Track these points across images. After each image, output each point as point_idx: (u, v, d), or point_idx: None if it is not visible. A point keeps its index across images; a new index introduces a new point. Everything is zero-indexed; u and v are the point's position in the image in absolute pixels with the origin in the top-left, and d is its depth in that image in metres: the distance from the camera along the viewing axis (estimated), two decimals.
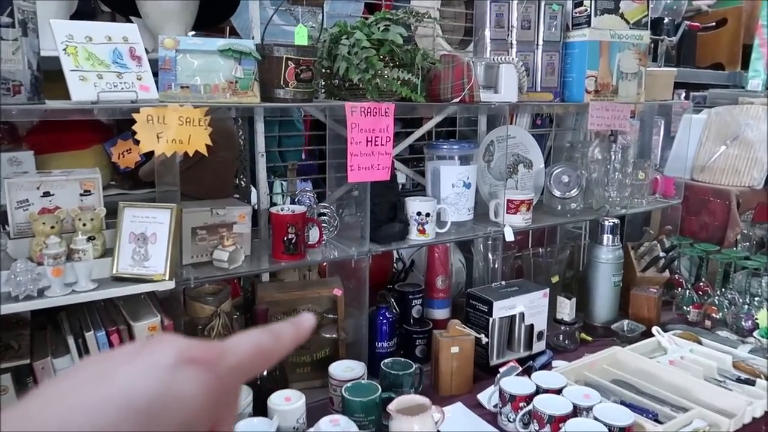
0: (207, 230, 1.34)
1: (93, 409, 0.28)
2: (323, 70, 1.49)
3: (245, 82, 1.28)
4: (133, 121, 1.12)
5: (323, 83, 1.56)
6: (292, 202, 1.48)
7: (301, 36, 1.35)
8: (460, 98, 1.53)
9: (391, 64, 1.45)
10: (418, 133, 1.85)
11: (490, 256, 1.89)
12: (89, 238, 1.15)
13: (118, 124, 1.59)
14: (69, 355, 1.12)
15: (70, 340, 1.12)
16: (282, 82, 1.32)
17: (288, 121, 1.81)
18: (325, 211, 1.55)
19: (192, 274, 1.27)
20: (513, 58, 1.66)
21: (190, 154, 1.18)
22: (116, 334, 1.15)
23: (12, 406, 0.28)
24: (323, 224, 1.53)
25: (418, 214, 1.58)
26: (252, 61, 1.30)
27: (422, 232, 1.60)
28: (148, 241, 1.18)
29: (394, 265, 2.00)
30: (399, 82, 1.43)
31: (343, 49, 1.41)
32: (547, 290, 1.69)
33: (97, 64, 1.13)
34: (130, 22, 1.59)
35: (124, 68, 1.17)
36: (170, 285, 1.18)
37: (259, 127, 1.57)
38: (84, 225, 1.16)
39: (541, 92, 1.82)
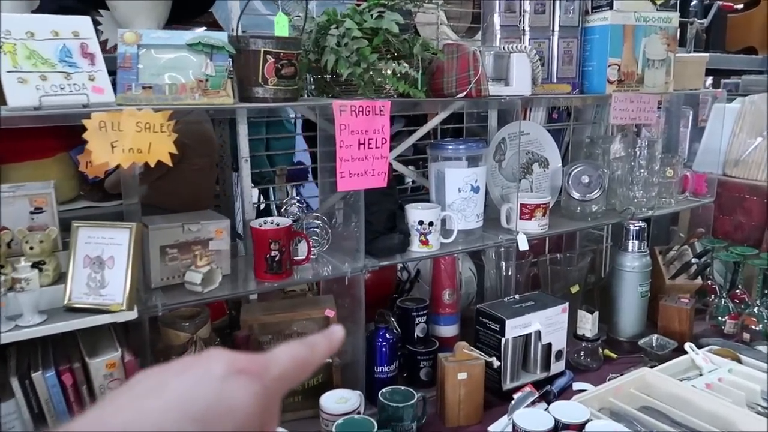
0: (178, 248, 1.19)
1: (157, 416, 0.31)
2: (311, 65, 1.32)
3: (217, 80, 1.12)
4: None
5: (313, 79, 1.40)
6: (279, 213, 1.33)
7: (281, 26, 1.18)
8: (465, 92, 1.36)
9: (387, 56, 1.28)
10: (421, 131, 1.68)
11: (502, 264, 1.73)
12: (36, 264, 1.00)
13: None
14: (14, 399, 0.97)
15: (14, 383, 0.97)
16: (260, 80, 1.16)
17: (276, 121, 1.65)
18: (317, 221, 1.39)
19: (160, 300, 1.12)
20: (525, 47, 1.48)
21: (152, 165, 1.03)
22: (69, 374, 1.00)
23: (86, 413, 0.32)
24: (314, 237, 1.37)
25: (420, 223, 1.42)
26: (225, 56, 1.14)
27: (425, 243, 1.43)
28: (105, 266, 1.03)
29: (399, 274, 1.84)
30: (396, 77, 1.26)
31: (331, 40, 1.24)
32: (566, 305, 1.51)
33: (41, 64, 0.98)
34: (100, 15, 1.44)
35: (73, 68, 1.02)
36: (130, 315, 1.03)
37: (242, 130, 1.41)
38: (31, 248, 1.02)
39: (558, 83, 1.63)
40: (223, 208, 1.44)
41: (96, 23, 1.46)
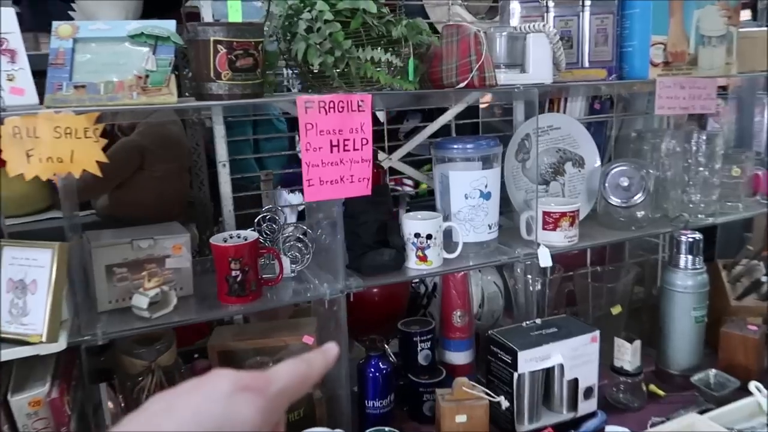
0: (128, 267, 1.06)
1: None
2: (283, 56, 1.16)
3: (158, 76, 0.97)
4: None
5: (294, 74, 1.23)
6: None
7: (234, 10, 1.02)
8: (466, 82, 1.15)
9: (369, 43, 1.09)
10: (430, 129, 1.47)
11: (528, 279, 1.49)
12: None
13: None
14: None
15: None
16: (212, 74, 1.00)
17: (265, 120, 1.50)
18: (297, 234, 1.22)
19: (102, 327, 0.99)
20: (544, 25, 1.24)
21: (76, 175, 0.89)
22: None
23: None
24: (293, 252, 1.21)
25: (416, 235, 1.22)
26: (171, 48, 0.99)
27: (423, 258, 1.23)
28: (28, 291, 0.91)
29: (415, 288, 1.64)
30: (375, 65, 1.07)
31: (301, 25, 1.07)
32: (597, 334, 1.27)
33: None
34: (72, 10, 1.35)
35: None
36: (54, 347, 0.90)
37: (218, 131, 1.27)
38: None
39: (590, 68, 1.38)
40: (200, 218, 1.30)
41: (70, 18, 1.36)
